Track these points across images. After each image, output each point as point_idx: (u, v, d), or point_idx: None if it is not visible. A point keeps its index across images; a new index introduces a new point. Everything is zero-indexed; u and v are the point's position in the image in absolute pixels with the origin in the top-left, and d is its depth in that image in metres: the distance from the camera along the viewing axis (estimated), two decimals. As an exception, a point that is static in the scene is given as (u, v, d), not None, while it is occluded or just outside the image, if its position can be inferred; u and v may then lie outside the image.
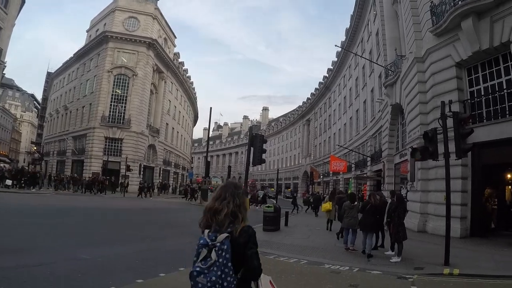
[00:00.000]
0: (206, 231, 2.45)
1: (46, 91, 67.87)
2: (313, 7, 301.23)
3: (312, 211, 27.30)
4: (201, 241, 2.40)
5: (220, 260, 2.29)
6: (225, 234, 2.36)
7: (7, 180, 28.31)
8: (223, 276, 2.28)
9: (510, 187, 17.03)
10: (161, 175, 50.92)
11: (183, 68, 64.48)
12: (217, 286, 2.26)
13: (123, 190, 35.22)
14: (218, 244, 2.33)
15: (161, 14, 51.14)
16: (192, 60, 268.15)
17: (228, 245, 2.33)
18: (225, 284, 2.27)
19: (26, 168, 39.65)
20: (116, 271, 6.94)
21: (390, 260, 9.28)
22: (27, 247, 8.38)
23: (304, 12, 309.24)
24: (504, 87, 12.72)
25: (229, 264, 2.31)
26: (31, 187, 29.89)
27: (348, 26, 43.60)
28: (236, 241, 2.38)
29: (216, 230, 2.42)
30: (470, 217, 13.49)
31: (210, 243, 2.36)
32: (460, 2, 13.16)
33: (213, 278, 2.26)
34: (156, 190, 40.95)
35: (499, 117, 12.76)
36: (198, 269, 2.32)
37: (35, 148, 70.81)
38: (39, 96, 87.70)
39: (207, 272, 2.28)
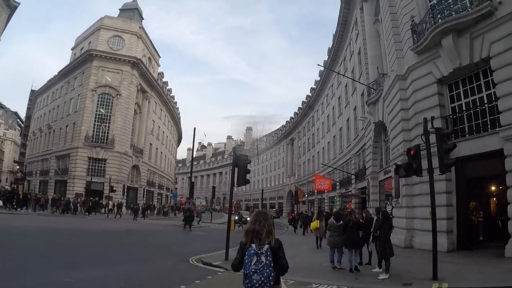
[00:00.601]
0: (253, 244, 3.54)
1: (30, 109, 66.27)
2: (295, 27, 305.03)
3: (299, 229, 27.34)
4: (252, 251, 3.50)
5: (267, 262, 3.44)
6: (267, 245, 3.53)
7: None
8: (269, 273, 3.41)
9: (494, 199, 17.17)
10: (145, 196, 50.10)
11: (167, 88, 64.40)
12: (268, 279, 3.39)
13: (107, 211, 34.51)
14: (264, 252, 3.48)
15: (145, 33, 51.20)
16: (175, 80, 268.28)
17: (270, 251, 3.50)
18: (270, 278, 3.41)
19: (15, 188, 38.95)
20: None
21: (378, 277, 9.17)
22: (5, 269, 7.98)
23: (286, 32, 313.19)
24: (485, 101, 12.98)
25: (272, 264, 3.47)
26: (23, 208, 30.09)
27: (330, 46, 44.10)
28: (273, 249, 3.54)
29: (259, 243, 3.54)
30: (456, 231, 13.53)
31: (258, 251, 3.48)
32: (440, 21, 13.50)
33: (265, 274, 3.39)
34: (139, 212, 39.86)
35: (481, 131, 12.97)
36: (253, 269, 3.41)
37: (17, 167, 68.68)
38: (22, 114, 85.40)
39: (259, 272, 3.38)
